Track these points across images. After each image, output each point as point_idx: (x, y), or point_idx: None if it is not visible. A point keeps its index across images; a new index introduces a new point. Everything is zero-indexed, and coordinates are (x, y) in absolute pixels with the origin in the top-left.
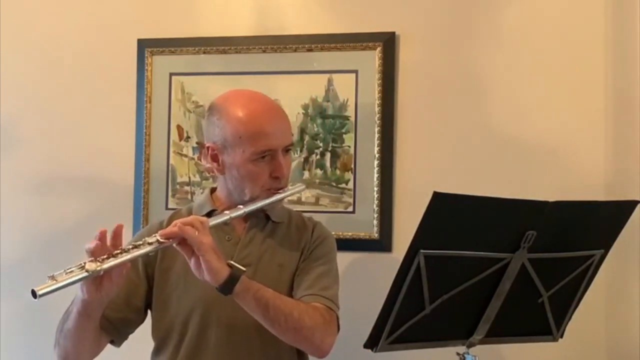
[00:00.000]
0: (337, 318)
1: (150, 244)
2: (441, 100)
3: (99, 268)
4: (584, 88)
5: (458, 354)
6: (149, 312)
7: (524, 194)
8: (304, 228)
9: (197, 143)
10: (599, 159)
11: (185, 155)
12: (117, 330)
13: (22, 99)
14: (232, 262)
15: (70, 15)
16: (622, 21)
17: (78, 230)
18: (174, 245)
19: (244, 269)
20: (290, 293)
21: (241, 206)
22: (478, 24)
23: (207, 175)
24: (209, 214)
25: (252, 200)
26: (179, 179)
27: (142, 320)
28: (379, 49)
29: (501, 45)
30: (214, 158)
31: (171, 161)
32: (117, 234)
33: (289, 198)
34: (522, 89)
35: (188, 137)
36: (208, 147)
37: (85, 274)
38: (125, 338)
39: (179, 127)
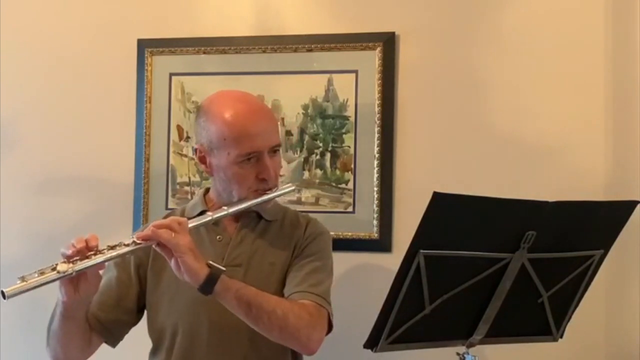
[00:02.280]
0: (329, 314)
1: (126, 245)
2: (441, 100)
3: (70, 270)
4: (584, 88)
5: (458, 354)
6: (145, 312)
7: (524, 194)
8: (297, 225)
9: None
10: (599, 159)
11: (185, 155)
12: (108, 331)
13: (22, 99)
14: (211, 262)
15: (70, 15)
16: (622, 21)
17: (78, 230)
18: (154, 246)
19: (223, 268)
20: (282, 291)
21: (225, 207)
22: (478, 24)
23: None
24: (201, 214)
25: (240, 201)
26: (179, 179)
27: (136, 321)
28: (379, 49)
29: (501, 45)
30: (202, 160)
31: (171, 161)
32: (93, 247)
33: (288, 198)
34: (522, 89)
35: (188, 137)
36: (196, 149)
37: (57, 275)
38: (120, 339)
39: (179, 127)
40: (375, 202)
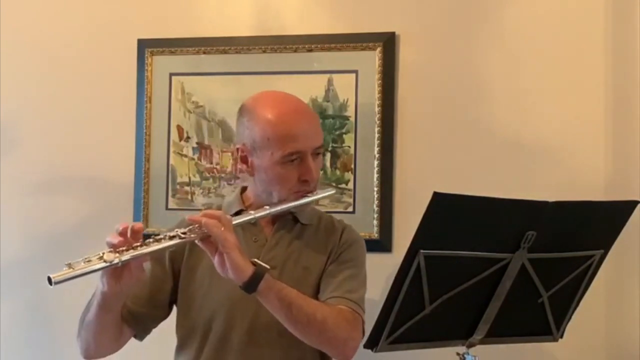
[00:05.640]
0: (363, 322)
1: (171, 237)
2: (441, 100)
3: (117, 260)
4: (584, 88)
5: (458, 354)
6: (174, 307)
7: (524, 194)
8: (332, 231)
9: (197, 143)
10: (599, 159)
11: (185, 155)
12: (140, 324)
13: (22, 99)
14: (255, 260)
15: (70, 15)
16: (622, 21)
17: (78, 230)
18: (197, 242)
19: (267, 266)
20: (315, 296)
21: (267, 207)
22: (478, 24)
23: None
24: (237, 214)
25: (282, 202)
26: (179, 179)
27: (167, 316)
28: (379, 49)
29: (501, 45)
30: (244, 160)
31: (171, 161)
32: (137, 231)
33: None
34: (522, 89)
35: (188, 137)
36: (238, 149)
37: (103, 264)
38: (148, 332)
39: (179, 127)
40: (375, 202)
